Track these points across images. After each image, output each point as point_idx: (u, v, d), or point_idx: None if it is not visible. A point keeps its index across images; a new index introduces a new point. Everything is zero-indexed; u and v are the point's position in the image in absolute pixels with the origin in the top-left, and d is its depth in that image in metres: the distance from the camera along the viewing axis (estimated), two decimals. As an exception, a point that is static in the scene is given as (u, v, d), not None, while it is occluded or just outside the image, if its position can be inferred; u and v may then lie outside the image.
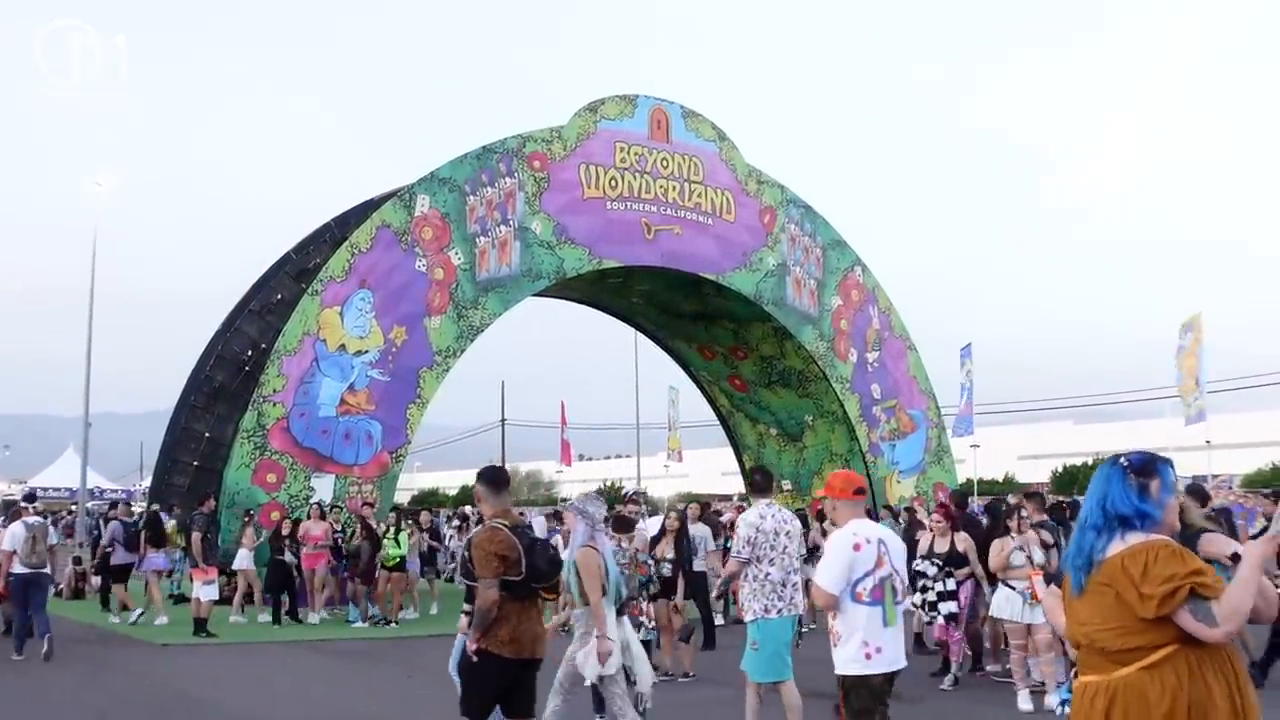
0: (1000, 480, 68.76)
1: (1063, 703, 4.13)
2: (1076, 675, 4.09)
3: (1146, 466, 4.09)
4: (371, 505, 20.91)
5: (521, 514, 30.87)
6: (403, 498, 71.86)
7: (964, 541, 12.68)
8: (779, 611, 8.58)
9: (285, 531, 18.90)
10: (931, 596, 12.33)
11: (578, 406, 43.67)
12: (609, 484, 76.66)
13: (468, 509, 33.14)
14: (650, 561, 9.97)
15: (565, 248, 25.30)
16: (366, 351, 22.67)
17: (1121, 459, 4.15)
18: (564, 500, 65.34)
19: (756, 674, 8.34)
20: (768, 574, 8.61)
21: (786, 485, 30.85)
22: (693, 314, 29.80)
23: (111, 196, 37.64)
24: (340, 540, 19.66)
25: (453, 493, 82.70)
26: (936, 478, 30.21)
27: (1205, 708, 3.72)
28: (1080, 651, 4.00)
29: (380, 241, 23.05)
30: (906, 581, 6.77)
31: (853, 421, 29.35)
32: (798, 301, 28.72)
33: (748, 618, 8.47)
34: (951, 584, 12.32)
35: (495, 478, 7.18)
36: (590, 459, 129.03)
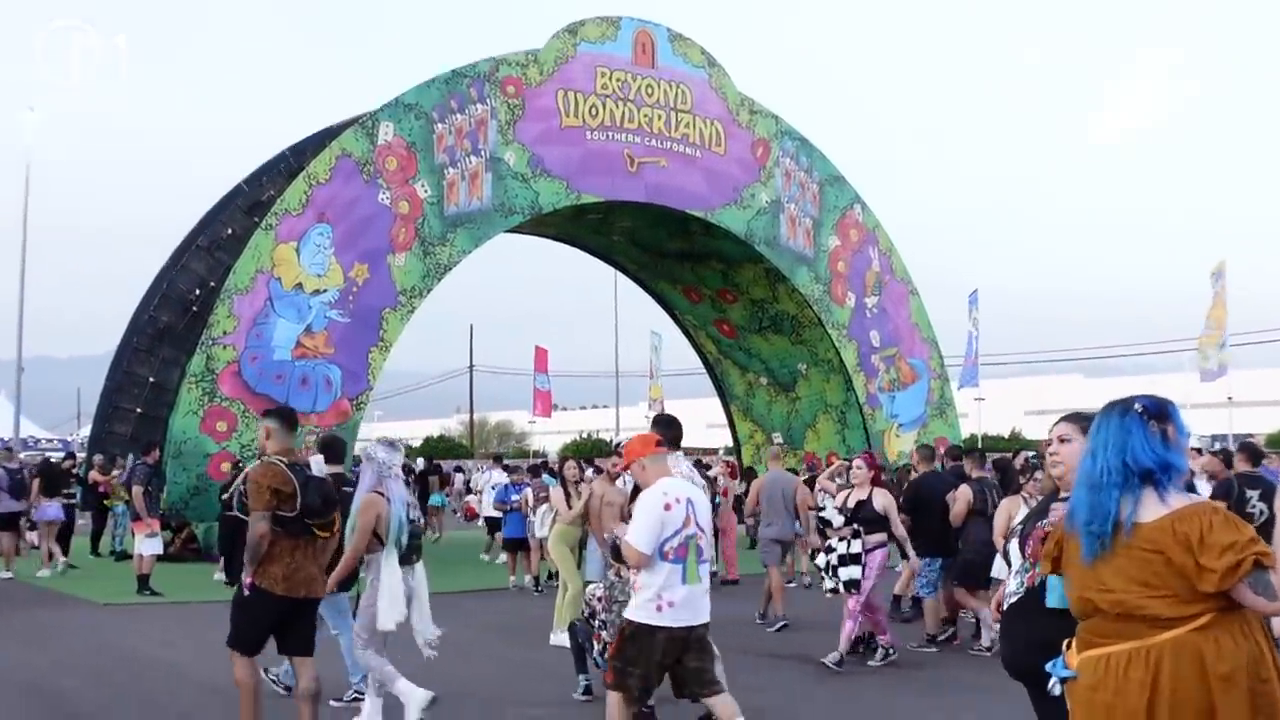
0: (1006, 436, 69.09)
1: (1061, 680, 4.08)
2: (1071, 647, 4.04)
3: (1163, 410, 4.00)
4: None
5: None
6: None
7: (883, 499, 11.76)
8: None
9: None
10: (834, 559, 11.52)
11: (553, 353, 43.58)
12: (585, 436, 76.70)
13: (419, 462, 33.00)
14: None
15: (541, 180, 25.18)
16: (325, 291, 22.60)
17: (1135, 405, 4.01)
18: (536, 453, 65.40)
19: None
20: None
21: (777, 439, 30.97)
22: (678, 253, 29.76)
23: (46, 123, 37.24)
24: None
25: (417, 444, 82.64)
26: (938, 432, 30.36)
27: (1258, 666, 3.73)
28: (1095, 620, 3.93)
29: (340, 172, 22.90)
30: (711, 540, 7.44)
31: (849, 371, 29.43)
32: (792, 241, 28.69)
33: None
34: (857, 546, 11.47)
35: (288, 416, 7.99)
36: (565, 409, 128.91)
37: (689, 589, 7.07)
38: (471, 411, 78.06)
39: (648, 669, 7.07)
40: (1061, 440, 4.89)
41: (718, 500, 19.99)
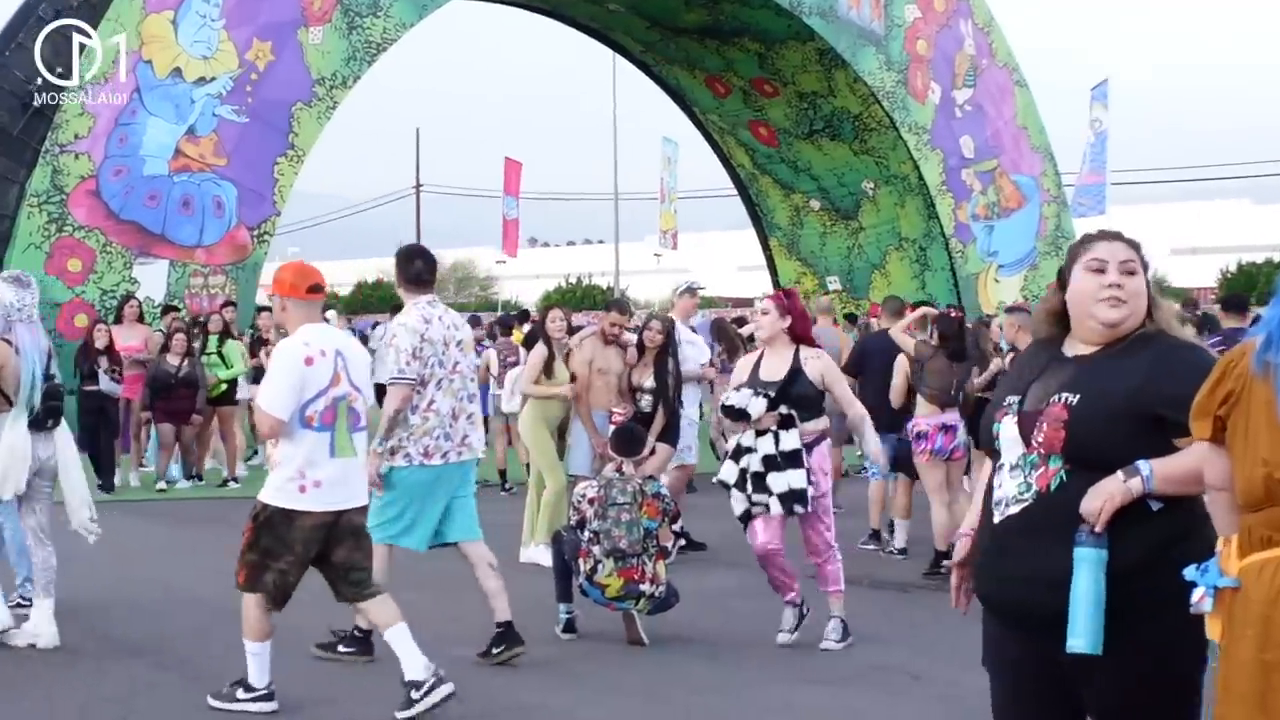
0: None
1: (1213, 590, 3.93)
2: (1230, 545, 3.89)
3: None
4: (233, 305, 20.83)
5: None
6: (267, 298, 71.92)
7: (817, 363, 9.75)
8: (446, 456, 8.93)
9: (101, 345, 18.79)
10: (756, 463, 9.45)
11: (529, 169, 43.35)
12: (574, 281, 76.59)
13: (330, 317, 32.67)
14: (663, 496, 9.52)
15: (509, -74, 24.76)
16: (214, 79, 22.37)
17: None
18: (507, 305, 65.44)
19: (386, 531, 8.81)
20: (432, 401, 8.92)
21: (834, 284, 30.92)
22: (699, 29, 29.50)
23: None
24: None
25: (344, 292, 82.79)
26: (1052, 276, 30.14)
27: None
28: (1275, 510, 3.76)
29: (231, -87, 22.52)
30: (371, 401, 7.92)
31: (931, 191, 29.28)
32: (855, 11, 28.36)
33: (398, 461, 8.79)
34: (792, 440, 9.42)
35: None
36: (548, 245, 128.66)
37: (340, 464, 7.55)
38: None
39: (287, 564, 7.49)
40: (1128, 270, 4.48)
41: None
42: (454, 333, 9.09)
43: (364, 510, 7.90)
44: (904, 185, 29.82)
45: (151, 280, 21.84)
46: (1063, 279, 4.63)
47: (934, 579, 11.99)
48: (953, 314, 13.62)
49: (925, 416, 12.39)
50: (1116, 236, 4.60)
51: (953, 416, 12.26)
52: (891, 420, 13.03)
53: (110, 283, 21.52)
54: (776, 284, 33.25)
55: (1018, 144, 30.47)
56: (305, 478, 7.41)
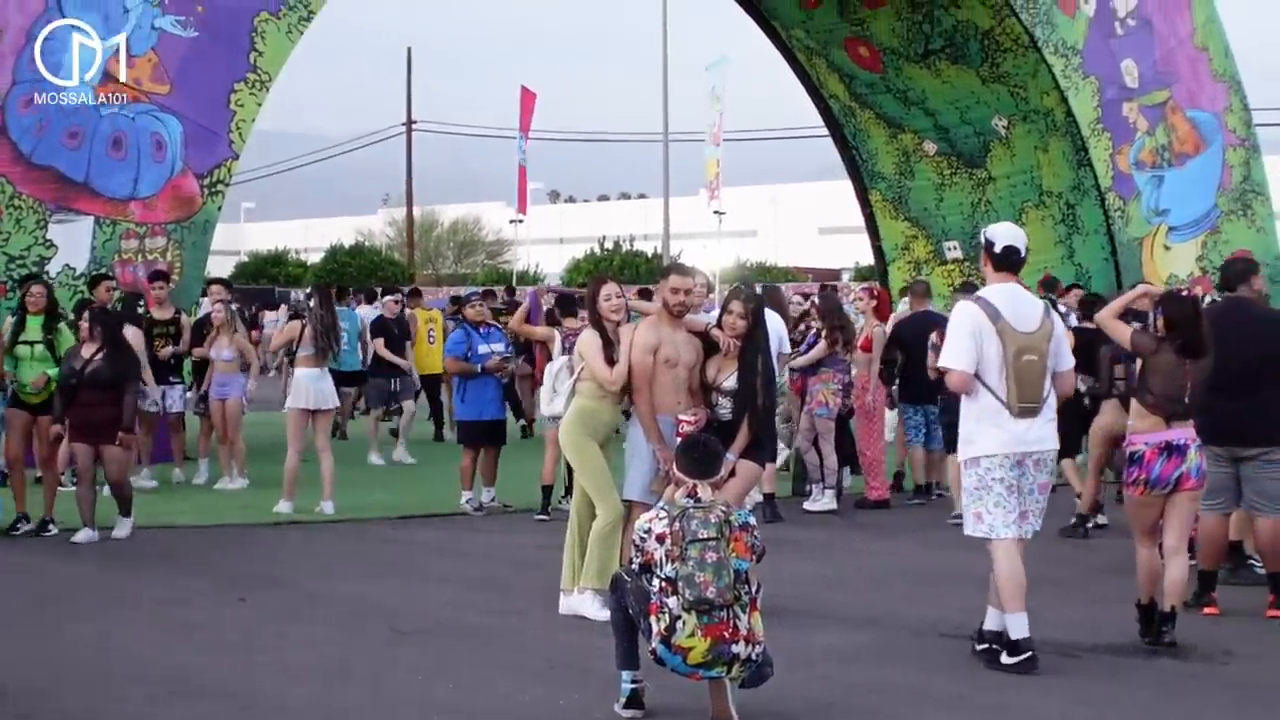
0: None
1: None
2: None
3: None
4: (165, 278, 20.73)
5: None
6: (223, 266, 71.98)
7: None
8: None
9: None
10: None
11: (552, 105, 43.29)
12: (609, 247, 76.29)
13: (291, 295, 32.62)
14: (751, 528, 9.28)
15: None
16: (152, -21, 22.32)
17: None
18: (528, 278, 65.33)
19: None
20: None
21: (953, 250, 30.75)
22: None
23: None
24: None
25: (315, 259, 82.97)
26: (1239, 242, 30.00)
27: None
28: None
29: None
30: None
31: (1083, 130, 29.06)
32: (985, -107, 28.21)
33: None
34: None
35: None
36: (572, 200, 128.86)
37: None
38: (410, 202, 78.09)
39: None
40: None
41: (847, 362, 19.39)
42: None
43: None
44: (1047, 123, 29.65)
45: (72, 242, 21.79)
46: None
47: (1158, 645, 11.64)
48: (1184, 294, 13.32)
49: (1144, 433, 11.94)
50: None
51: (1182, 433, 11.80)
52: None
53: (19, 246, 21.49)
54: (879, 252, 33.20)
55: (1195, 70, 30.16)
56: None
